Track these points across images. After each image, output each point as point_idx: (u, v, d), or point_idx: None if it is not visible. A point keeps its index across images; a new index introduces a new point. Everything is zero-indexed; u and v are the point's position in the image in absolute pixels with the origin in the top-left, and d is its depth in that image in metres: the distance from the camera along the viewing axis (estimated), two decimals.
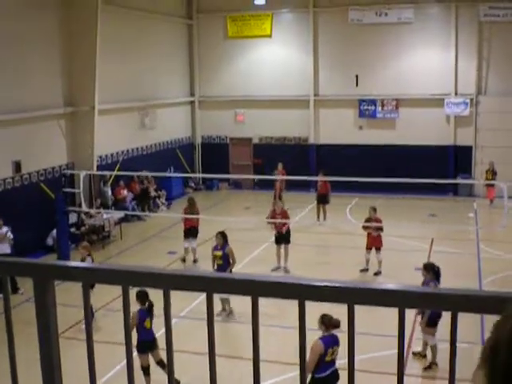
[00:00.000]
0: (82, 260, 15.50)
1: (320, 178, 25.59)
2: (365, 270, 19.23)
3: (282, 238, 19.73)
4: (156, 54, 30.31)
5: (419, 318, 13.26)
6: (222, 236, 16.29)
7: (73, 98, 24.32)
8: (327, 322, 10.03)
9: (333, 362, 10.08)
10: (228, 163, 34.16)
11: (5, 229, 18.13)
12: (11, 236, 18.16)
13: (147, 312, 11.66)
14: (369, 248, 19.22)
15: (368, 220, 19.33)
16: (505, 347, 1.23)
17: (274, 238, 20.17)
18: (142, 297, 11.52)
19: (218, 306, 15.73)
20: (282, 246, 19.69)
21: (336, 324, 9.95)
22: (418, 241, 22.29)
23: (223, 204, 29.80)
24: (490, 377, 1.25)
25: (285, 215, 20.23)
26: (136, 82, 28.40)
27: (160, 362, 11.77)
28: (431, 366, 13.03)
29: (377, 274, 19.03)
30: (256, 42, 33.14)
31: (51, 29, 23.27)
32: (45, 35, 22.91)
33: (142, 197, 28.17)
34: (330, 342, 9.99)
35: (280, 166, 28.07)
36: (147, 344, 11.65)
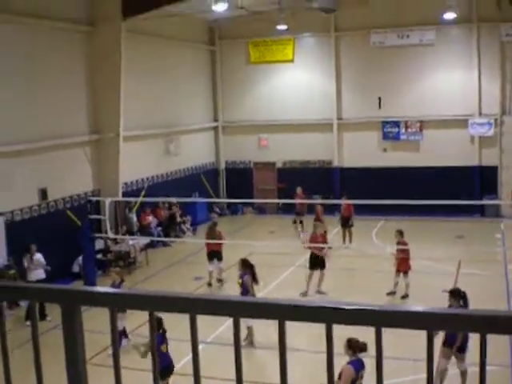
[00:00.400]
0: (113, 285, 15.59)
1: (344, 202, 25.60)
2: (392, 293, 19.08)
3: (319, 263, 19.57)
4: (179, 80, 30.55)
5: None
6: (242, 263, 16.36)
7: (98, 126, 24.54)
8: (354, 346, 9.92)
9: None
10: (252, 188, 34.21)
11: (38, 255, 18.35)
12: (44, 262, 18.40)
13: (162, 337, 11.93)
14: (398, 271, 19.08)
15: (397, 243, 19.27)
16: None
17: (308, 262, 19.90)
18: (157, 323, 11.68)
19: (243, 333, 15.65)
20: (317, 271, 19.54)
21: (363, 347, 9.80)
22: (445, 263, 22.10)
23: (248, 228, 29.80)
24: None
25: (324, 239, 20.24)
26: (160, 108, 28.63)
27: None
28: None
29: (404, 297, 18.85)
30: (278, 67, 33.29)
31: (77, 58, 23.56)
32: (70, 65, 23.20)
33: (169, 222, 28.35)
34: (359, 366, 9.86)
35: (299, 189, 28.27)
36: (169, 369, 11.83)
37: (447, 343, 12.38)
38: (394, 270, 19.12)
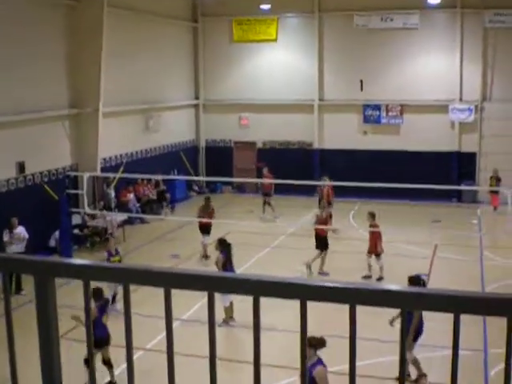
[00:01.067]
0: (109, 253, 16.85)
1: (325, 183, 25.63)
2: (368, 277, 19.14)
3: (323, 243, 19.77)
4: (161, 57, 30.35)
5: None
6: (219, 243, 16.47)
7: (77, 100, 24.35)
8: (316, 343, 9.32)
9: None
10: (232, 167, 34.16)
11: (20, 228, 18.25)
12: (26, 236, 18.33)
13: (103, 307, 12.17)
14: (369, 253, 19.24)
15: (369, 226, 19.51)
16: None
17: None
18: (98, 293, 11.74)
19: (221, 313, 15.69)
20: (320, 251, 19.74)
21: (323, 342, 9.40)
22: (421, 247, 22.26)
23: (226, 207, 29.77)
24: None
25: (328, 221, 20.48)
26: (141, 84, 28.43)
27: (108, 362, 12.17)
28: (419, 380, 12.66)
29: (379, 279, 18.96)
30: (261, 47, 33.17)
31: (57, 31, 23.32)
32: (51, 38, 22.96)
33: (159, 199, 28.50)
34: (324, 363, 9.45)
35: (265, 170, 28.35)
36: (104, 340, 11.96)
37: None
38: (366, 253, 19.29)
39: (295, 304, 1.90)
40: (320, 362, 9.35)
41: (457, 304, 1.75)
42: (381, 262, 19.04)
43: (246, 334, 14.03)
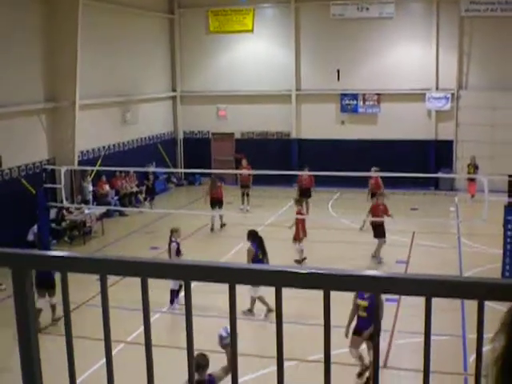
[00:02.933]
0: (177, 244, 16.82)
1: (305, 173, 25.73)
2: (299, 261, 19.65)
3: (378, 231, 20.50)
4: (137, 49, 30.20)
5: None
6: (249, 234, 16.69)
7: (54, 93, 24.20)
8: (204, 363, 8.61)
9: None
10: (210, 158, 34.12)
11: None
12: None
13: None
14: (295, 239, 19.93)
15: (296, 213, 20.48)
16: None
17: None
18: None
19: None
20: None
21: (206, 364, 8.63)
22: (399, 235, 22.39)
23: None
24: None
25: (386, 209, 20.86)
26: (117, 76, 28.30)
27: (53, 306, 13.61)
28: (363, 373, 12.53)
29: (297, 261, 19.58)
30: (238, 37, 33.11)
31: (32, 23, 23.13)
32: (25, 30, 22.75)
33: (148, 192, 28.92)
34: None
35: (244, 162, 28.31)
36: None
37: (358, 332, 12.08)
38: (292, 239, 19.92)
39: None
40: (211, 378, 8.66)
41: (428, 288, 1.78)
42: (302, 245, 19.81)
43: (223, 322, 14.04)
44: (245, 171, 27.50)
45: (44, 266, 2.29)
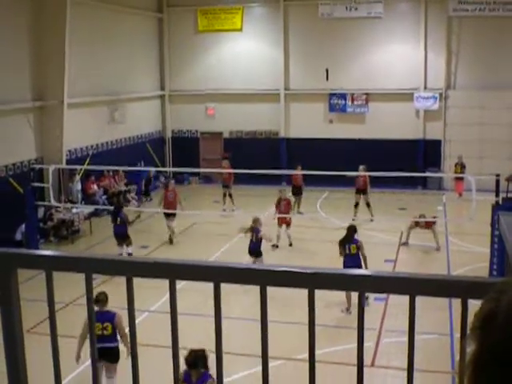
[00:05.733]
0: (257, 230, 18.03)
1: (297, 172, 25.85)
2: (275, 246, 21.21)
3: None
4: (126, 48, 30.13)
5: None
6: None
7: (41, 92, 24.11)
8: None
9: None
10: (198, 157, 34.10)
11: None
12: None
13: None
14: (279, 224, 21.87)
15: (279, 201, 22.30)
16: (503, 313, 1.28)
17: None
18: None
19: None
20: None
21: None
22: (387, 234, 22.45)
23: (193, 198, 29.73)
24: (482, 341, 1.30)
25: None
26: (106, 75, 28.22)
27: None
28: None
29: (275, 246, 21.25)
30: (226, 36, 33.09)
31: (20, 22, 23.02)
32: (13, 28, 22.65)
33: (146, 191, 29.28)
34: None
35: (225, 162, 28.26)
36: None
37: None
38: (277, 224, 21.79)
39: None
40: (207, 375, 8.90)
41: (412, 286, 1.79)
42: (289, 231, 21.84)
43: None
44: (225, 171, 27.42)
45: (30, 265, 2.28)
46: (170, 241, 22.41)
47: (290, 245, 21.66)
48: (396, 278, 1.80)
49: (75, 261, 2.19)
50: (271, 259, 19.15)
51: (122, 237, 19.89)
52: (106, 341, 11.47)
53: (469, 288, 1.72)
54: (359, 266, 15.22)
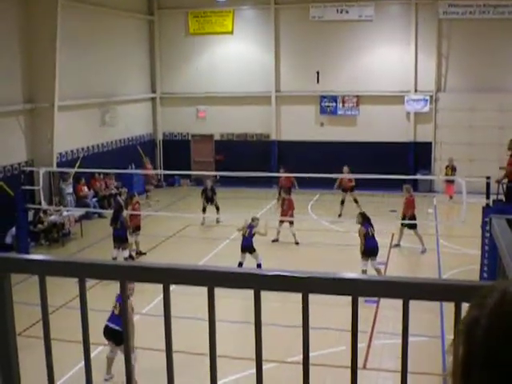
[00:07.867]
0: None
1: (281, 175, 25.87)
2: (275, 241, 22.05)
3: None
4: (117, 50, 30.08)
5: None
6: (360, 216, 18.67)
7: (32, 95, 24.05)
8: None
9: None
10: (189, 160, 34.07)
11: None
12: None
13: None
14: (281, 222, 22.42)
15: (283, 200, 23.26)
16: (485, 316, 1.31)
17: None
18: None
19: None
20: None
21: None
22: (378, 236, 22.45)
23: (184, 200, 29.69)
24: (468, 344, 1.33)
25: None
26: (96, 78, 28.16)
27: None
28: None
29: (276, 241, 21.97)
30: (217, 39, 33.10)
31: (10, 25, 22.96)
32: (3, 31, 22.59)
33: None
34: None
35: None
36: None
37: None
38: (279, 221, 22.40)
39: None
40: None
41: (406, 290, 1.80)
42: (293, 229, 22.09)
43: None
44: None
45: (23, 270, 2.28)
46: (141, 252, 21.44)
47: (297, 243, 21.83)
48: (389, 283, 1.81)
49: (68, 265, 2.19)
50: (272, 260, 19.04)
51: (121, 240, 19.89)
52: (113, 320, 11.96)
53: (462, 292, 1.73)
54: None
